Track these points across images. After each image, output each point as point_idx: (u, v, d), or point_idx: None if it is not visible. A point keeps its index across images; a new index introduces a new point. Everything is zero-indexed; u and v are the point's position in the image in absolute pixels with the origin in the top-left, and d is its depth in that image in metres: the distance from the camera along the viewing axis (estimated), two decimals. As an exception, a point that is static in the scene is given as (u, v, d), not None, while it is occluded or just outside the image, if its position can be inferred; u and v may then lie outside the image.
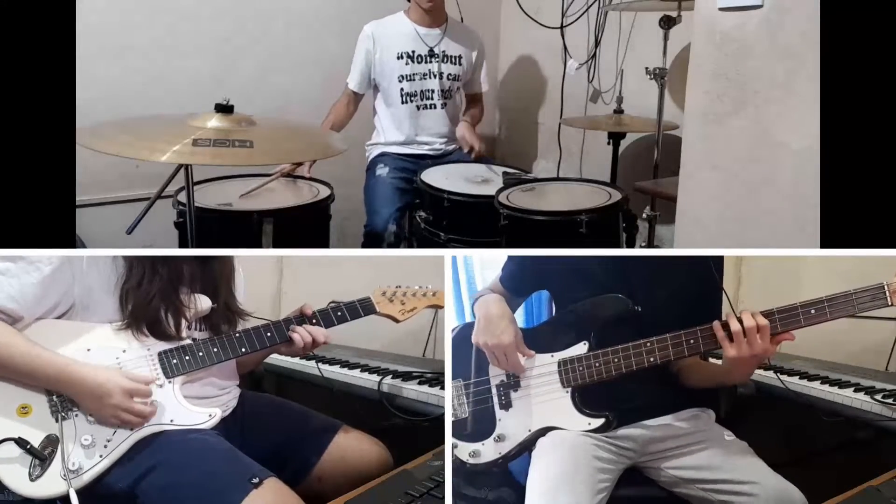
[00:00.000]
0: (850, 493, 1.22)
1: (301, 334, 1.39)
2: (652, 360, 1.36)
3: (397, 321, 1.49)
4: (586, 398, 1.41)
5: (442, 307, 1.55)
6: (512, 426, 1.43)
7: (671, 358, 1.35)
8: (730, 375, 1.40)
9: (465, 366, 1.48)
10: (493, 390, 1.46)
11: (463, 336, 1.49)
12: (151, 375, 1.30)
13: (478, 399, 1.46)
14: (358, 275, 1.71)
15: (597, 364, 1.40)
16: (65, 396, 1.25)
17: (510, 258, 1.58)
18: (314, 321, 1.43)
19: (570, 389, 1.42)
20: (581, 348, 1.42)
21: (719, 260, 1.46)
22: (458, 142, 2.76)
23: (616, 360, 1.38)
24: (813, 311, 1.26)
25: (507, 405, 1.45)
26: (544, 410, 1.42)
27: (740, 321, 1.28)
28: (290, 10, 2.99)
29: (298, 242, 2.12)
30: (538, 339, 1.46)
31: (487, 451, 1.43)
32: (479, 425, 1.45)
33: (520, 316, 1.78)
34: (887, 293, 1.23)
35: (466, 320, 1.58)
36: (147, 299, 1.31)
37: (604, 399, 1.41)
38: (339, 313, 1.44)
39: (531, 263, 1.55)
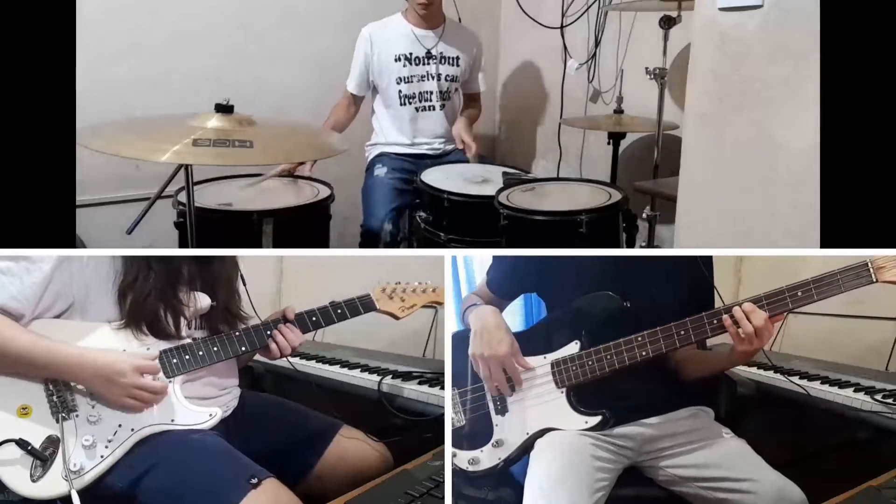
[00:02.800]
0: (850, 493, 1.22)
1: (282, 340, 1.41)
2: (644, 353, 1.36)
3: (397, 318, 1.49)
4: (582, 397, 1.41)
5: (442, 304, 1.55)
6: (509, 431, 1.43)
7: (663, 351, 1.36)
8: (731, 362, 1.45)
9: (461, 373, 1.48)
10: (489, 396, 1.46)
11: (457, 344, 1.49)
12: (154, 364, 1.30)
13: (474, 406, 1.46)
14: (358, 275, 1.71)
15: (590, 362, 1.40)
16: (65, 393, 1.25)
17: (496, 261, 1.57)
18: (313, 319, 1.43)
19: (564, 389, 1.42)
20: (573, 348, 1.42)
21: (707, 258, 1.46)
22: (455, 140, 2.75)
23: (609, 356, 1.38)
24: (800, 293, 1.29)
25: (503, 410, 1.44)
26: (540, 412, 1.42)
27: (748, 319, 1.30)
28: (290, 11, 2.99)
29: (298, 242, 2.11)
30: (530, 341, 1.46)
31: (486, 457, 1.43)
32: (476, 432, 1.45)
33: (517, 319, 1.78)
34: (871, 270, 1.25)
35: (466, 320, 1.58)
36: (143, 296, 1.31)
37: (599, 397, 1.41)
38: (339, 311, 1.45)
39: (520, 266, 1.55)
